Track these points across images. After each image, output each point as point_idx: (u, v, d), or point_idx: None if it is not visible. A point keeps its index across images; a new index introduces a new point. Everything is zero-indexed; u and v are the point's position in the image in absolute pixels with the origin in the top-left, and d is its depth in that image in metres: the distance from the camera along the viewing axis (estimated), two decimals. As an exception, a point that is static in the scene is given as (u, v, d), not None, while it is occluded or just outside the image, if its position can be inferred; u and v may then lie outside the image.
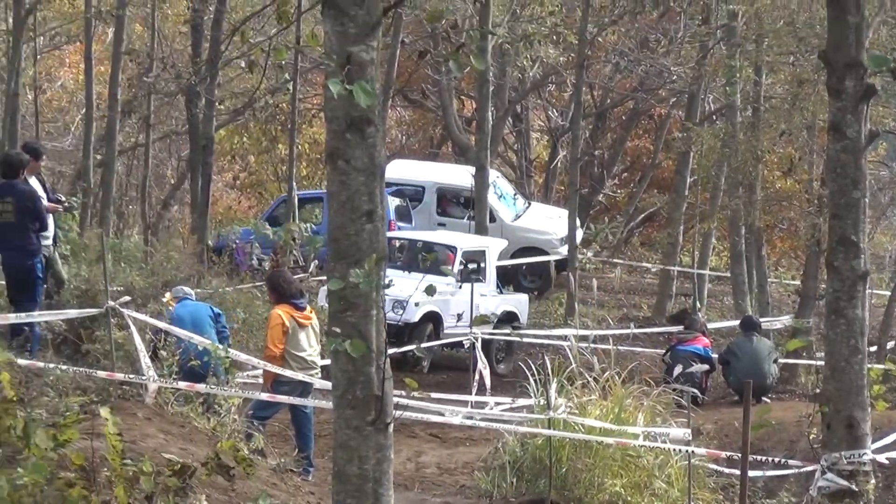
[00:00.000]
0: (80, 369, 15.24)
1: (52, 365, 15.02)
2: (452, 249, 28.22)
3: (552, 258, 33.75)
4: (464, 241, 29.63)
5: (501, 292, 29.63)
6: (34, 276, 17.70)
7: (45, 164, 21.37)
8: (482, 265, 28.14)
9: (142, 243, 31.61)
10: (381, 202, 9.13)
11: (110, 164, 33.23)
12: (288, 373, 15.89)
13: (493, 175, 38.06)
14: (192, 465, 8.40)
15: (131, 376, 15.44)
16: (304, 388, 15.98)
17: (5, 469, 7.99)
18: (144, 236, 33.61)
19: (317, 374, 16.36)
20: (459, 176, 35.70)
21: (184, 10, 37.88)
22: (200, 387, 15.60)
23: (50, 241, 18.76)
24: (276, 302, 16.67)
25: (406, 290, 24.41)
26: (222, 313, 17.40)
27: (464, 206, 35.20)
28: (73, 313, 17.54)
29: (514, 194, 37.00)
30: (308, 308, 17.46)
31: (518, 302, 30.01)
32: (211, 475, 8.53)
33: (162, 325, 16.73)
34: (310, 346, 16.37)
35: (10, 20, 32.31)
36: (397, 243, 29.35)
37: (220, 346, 15.96)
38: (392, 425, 9.22)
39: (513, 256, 32.93)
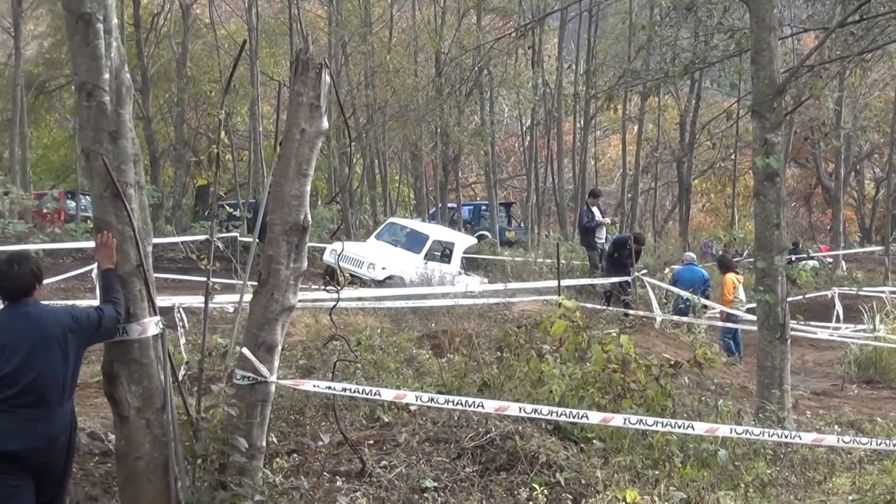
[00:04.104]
0: (618, 309, 15.40)
1: (603, 307, 15.26)
2: (425, 238, 20.42)
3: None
4: (438, 233, 21.47)
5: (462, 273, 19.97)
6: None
7: (602, 199, 21.48)
8: (448, 252, 20.36)
9: (651, 240, 31.54)
10: (783, 218, 9.00)
11: (634, 199, 33.41)
12: (735, 311, 15.38)
13: None
14: (680, 361, 8.37)
15: (647, 313, 15.52)
16: (737, 318, 15.36)
17: (579, 363, 8.21)
18: (654, 237, 33.63)
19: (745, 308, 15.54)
20: None
21: (675, 115, 37.31)
22: (684, 318, 15.37)
23: (603, 240, 18.93)
24: (725, 272, 16.10)
25: (381, 258, 19.10)
26: (709, 278, 16.70)
27: None
28: (615, 279, 17.40)
29: None
30: (741, 273, 16.94)
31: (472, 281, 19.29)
32: (691, 366, 8.49)
33: (663, 284, 16.56)
34: (742, 292, 15.96)
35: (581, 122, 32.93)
36: (402, 229, 21.75)
37: (696, 297, 15.46)
38: (789, 340, 9.18)
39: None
